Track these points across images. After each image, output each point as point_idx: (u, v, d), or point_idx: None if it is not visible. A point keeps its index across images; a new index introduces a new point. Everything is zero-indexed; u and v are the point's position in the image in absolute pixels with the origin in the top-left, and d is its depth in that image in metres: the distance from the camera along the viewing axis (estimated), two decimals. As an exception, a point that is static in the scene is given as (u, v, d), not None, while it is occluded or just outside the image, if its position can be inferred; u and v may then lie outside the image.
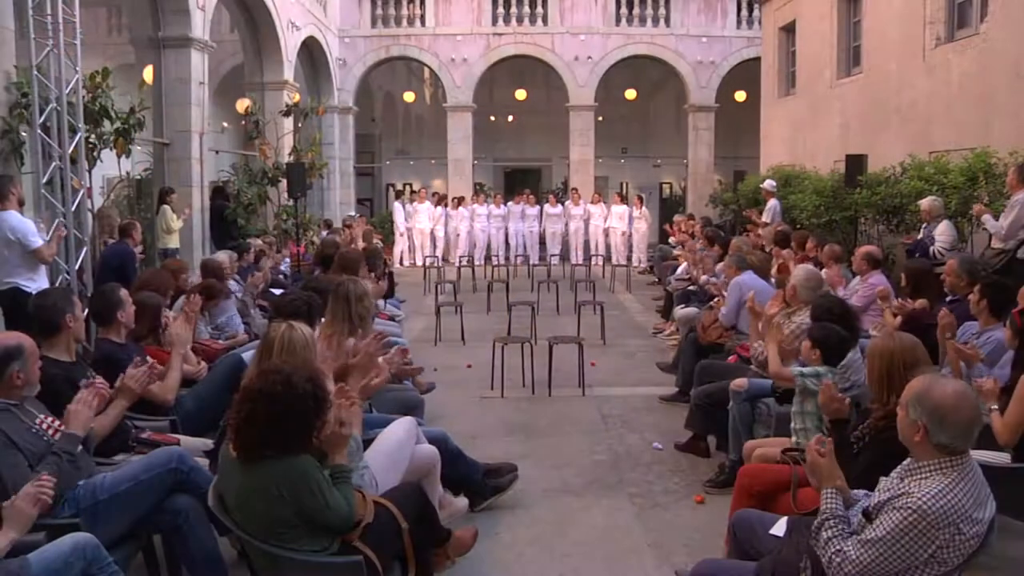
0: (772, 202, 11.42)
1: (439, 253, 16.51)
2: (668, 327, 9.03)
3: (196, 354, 4.83)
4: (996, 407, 3.42)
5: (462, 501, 4.07)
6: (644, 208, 17.34)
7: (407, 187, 23.02)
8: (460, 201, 17.39)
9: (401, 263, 16.81)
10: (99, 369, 3.74)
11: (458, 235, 17.09)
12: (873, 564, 2.26)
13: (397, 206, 17.65)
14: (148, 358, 3.83)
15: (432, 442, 3.94)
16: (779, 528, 2.82)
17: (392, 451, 3.46)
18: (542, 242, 17.32)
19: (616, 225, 16.98)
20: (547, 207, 17.32)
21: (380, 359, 4.20)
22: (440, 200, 17.38)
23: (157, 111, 10.68)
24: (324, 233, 12.84)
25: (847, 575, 2.30)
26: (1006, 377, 3.74)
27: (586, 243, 17.17)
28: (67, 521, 2.86)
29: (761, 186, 12.05)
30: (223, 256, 7.46)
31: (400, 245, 17.24)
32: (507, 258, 16.68)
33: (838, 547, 2.34)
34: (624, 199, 17.97)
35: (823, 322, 3.99)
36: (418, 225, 17.01)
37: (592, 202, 17.22)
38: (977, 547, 2.28)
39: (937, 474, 2.29)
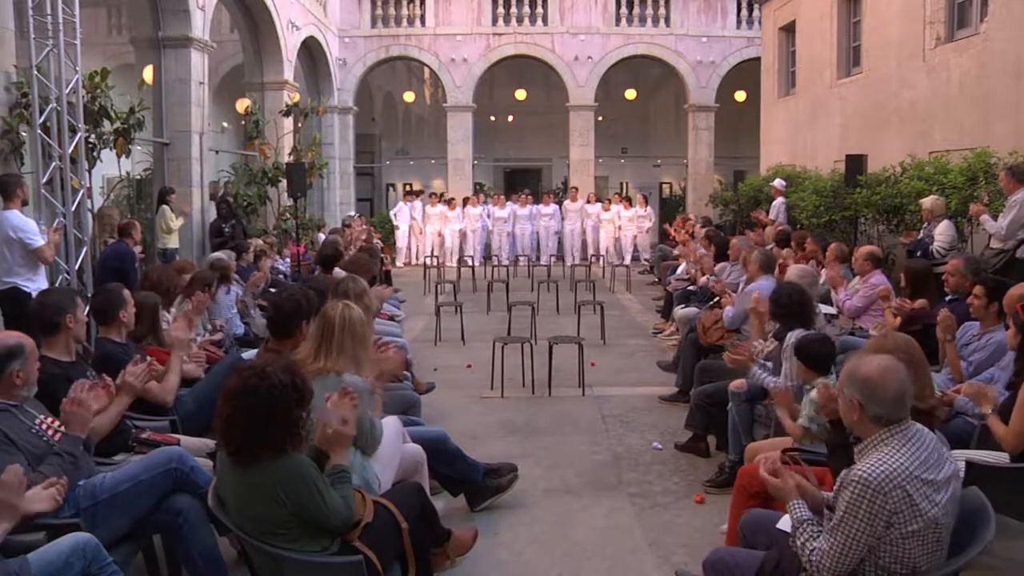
0: (779, 200, 11.45)
1: (439, 253, 16.49)
2: (668, 327, 9.03)
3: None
4: (992, 411, 3.42)
5: (439, 502, 4.08)
6: (648, 207, 17.45)
7: (408, 186, 23.05)
8: (467, 201, 17.43)
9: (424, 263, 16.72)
10: (99, 369, 3.74)
11: (456, 236, 17.09)
12: (843, 549, 2.31)
13: (417, 206, 17.54)
14: (148, 357, 3.83)
15: (432, 442, 3.95)
16: (785, 523, 2.84)
17: (386, 451, 3.46)
18: (538, 242, 17.38)
19: (624, 225, 17.05)
20: (542, 207, 17.35)
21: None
22: (464, 201, 17.43)
23: (157, 111, 10.69)
24: (321, 236, 12.65)
25: (826, 568, 2.35)
26: (1007, 378, 3.73)
27: (584, 243, 17.23)
28: (67, 521, 2.86)
29: (771, 184, 12.07)
30: (222, 255, 7.47)
31: (427, 242, 17.06)
32: (494, 257, 16.65)
33: (812, 546, 2.40)
34: (629, 201, 17.94)
35: (804, 336, 4.06)
36: (428, 228, 17.01)
37: (588, 201, 17.26)
38: (951, 525, 2.32)
39: (881, 445, 2.37)
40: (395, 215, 17.55)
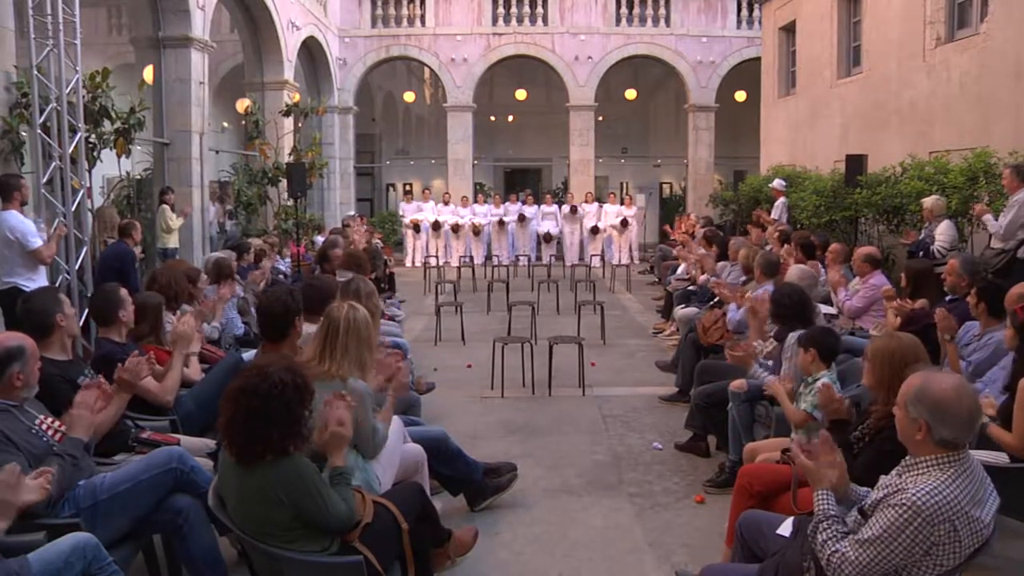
0: (780, 200, 11.46)
1: (440, 252, 16.48)
2: (668, 327, 9.03)
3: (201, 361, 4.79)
4: (992, 418, 3.42)
5: (439, 502, 4.07)
6: (635, 207, 17.46)
7: (408, 187, 23.04)
8: (464, 200, 17.44)
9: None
10: (99, 368, 3.74)
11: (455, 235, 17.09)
12: (872, 563, 2.26)
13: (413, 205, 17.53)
14: (148, 354, 3.82)
15: (432, 442, 3.95)
16: (786, 528, 2.81)
17: (387, 451, 3.46)
18: (539, 242, 17.37)
19: (612, 224, 17.04)
20: (543, 207, 17.35)
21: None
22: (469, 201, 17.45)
23: (157, 111, 10.69)
24: (319, 239, 12.53)
25: None
26: (1005, 379, 3.73)
27: (581, 243, 17.23)
28: (67, 521, 2.86)
29: (771, 185, 12.07)
30: (223, 255, 7.47)
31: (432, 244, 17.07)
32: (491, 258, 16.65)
33: (835, 548, 2.33)
34: (620, 199, 17.97)
35: (814, 328, 4.09)
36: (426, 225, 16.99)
37: (586, 201, 17.26)
38: (977, 547, 2.27)
39: (934, 470, 2.27)
40: (405, 219, 17.42)
